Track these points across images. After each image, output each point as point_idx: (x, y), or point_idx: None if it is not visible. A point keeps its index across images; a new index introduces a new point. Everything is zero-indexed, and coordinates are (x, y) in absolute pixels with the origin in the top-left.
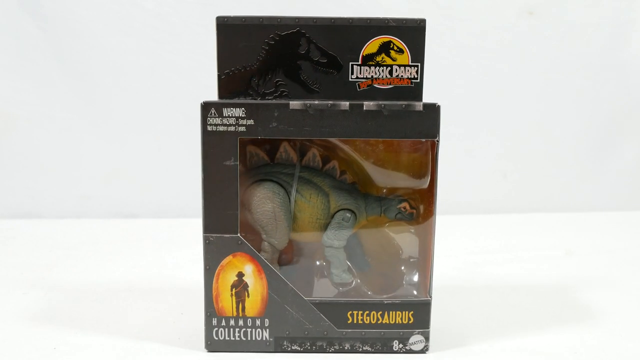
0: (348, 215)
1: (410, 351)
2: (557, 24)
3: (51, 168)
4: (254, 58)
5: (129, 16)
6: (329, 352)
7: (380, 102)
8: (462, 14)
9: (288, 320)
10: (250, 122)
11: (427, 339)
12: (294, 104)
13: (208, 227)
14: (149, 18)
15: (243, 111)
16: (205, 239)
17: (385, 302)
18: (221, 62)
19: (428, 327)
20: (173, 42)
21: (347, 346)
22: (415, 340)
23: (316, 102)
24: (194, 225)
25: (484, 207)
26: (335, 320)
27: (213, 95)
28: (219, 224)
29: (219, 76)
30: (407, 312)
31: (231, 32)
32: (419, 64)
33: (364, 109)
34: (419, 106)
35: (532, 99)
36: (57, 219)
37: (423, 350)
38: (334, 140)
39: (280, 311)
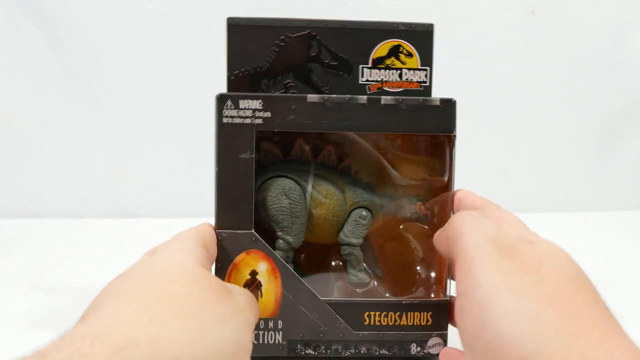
0: (365, 213)
1: (429, 355)
2: (558, 23)
3: (51, 168)
4: (264, 59)
5: (129, 16)
6: (344, 357)
7: (397, 97)
8: (463, 14)
9: (302, 322)
10: (268, 114)
11: (445, 342)
12: (312, 97)
13: (221, 223)
14: (149, 18)
15: (260, 103)
16: (218, 235)
17: (404, 302)
18: (231, 63)
19: (446, 329)
20: (173, 42)
21: (363, 350)
22: (433, 343)
23: (334, 95)
24: (194, 225)
25: None
26: (351, 322)
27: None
28: (232, 219)
29: (229, 77)
30: (425, 312)
31: (242, 33)
32: (428, 68)
33: (382, 102)
34: (435, 101)
35: (533, 98)
36: (57, 219)
37: None
38: (349, 137)
39: (295, 312)
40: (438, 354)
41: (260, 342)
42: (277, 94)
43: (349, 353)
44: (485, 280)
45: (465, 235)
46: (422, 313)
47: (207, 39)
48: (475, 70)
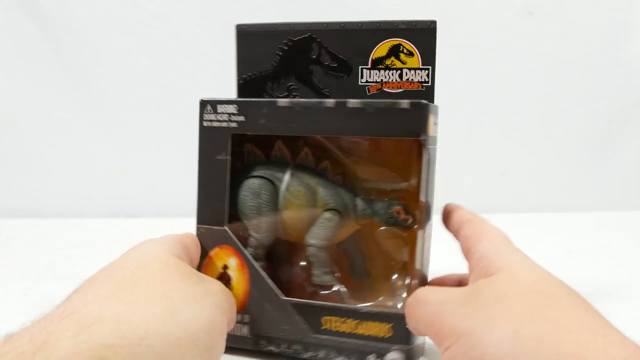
0: (330, 215)
1: None
2: (558, 24)
3: (51, 168)
4: (269, 63)
5: (129, 16)
6: (303, 358)
7: (366, 100)
8: (462, 14)
9: (266, 319)
10: (242, 118)
11: (410, 357)
12: (282, 101)
13: (200, 219)
14: (149, 18)
15: (235, 108)
16: (198, 230)
17: (362, 310)
18: (240, 67)
19: (409, 343)
20: (173, 42)
21: (321, 354)
22: (393, 357)
23: (303, 99)
24: (194, 225)
25: (484, 207)
26: (310, 324)
27: (213, 96)
28: (209, 216)
29: (238, 81)
30: (385, 323)
31: (250, 39)
32: (430, 67)
33: (349, 106)
34: (405, 104)
35: (532, 98)
36: (57, 219)
37: None
38: (328, 141)
39: (260, 309)
40: None
41: (230, 332)
42: (251, 99)
43: (308, 355)
44: (457, 330)
45: (424, 310)
46: (382, 323)
47: (207, 39)
48: (474, 70)
